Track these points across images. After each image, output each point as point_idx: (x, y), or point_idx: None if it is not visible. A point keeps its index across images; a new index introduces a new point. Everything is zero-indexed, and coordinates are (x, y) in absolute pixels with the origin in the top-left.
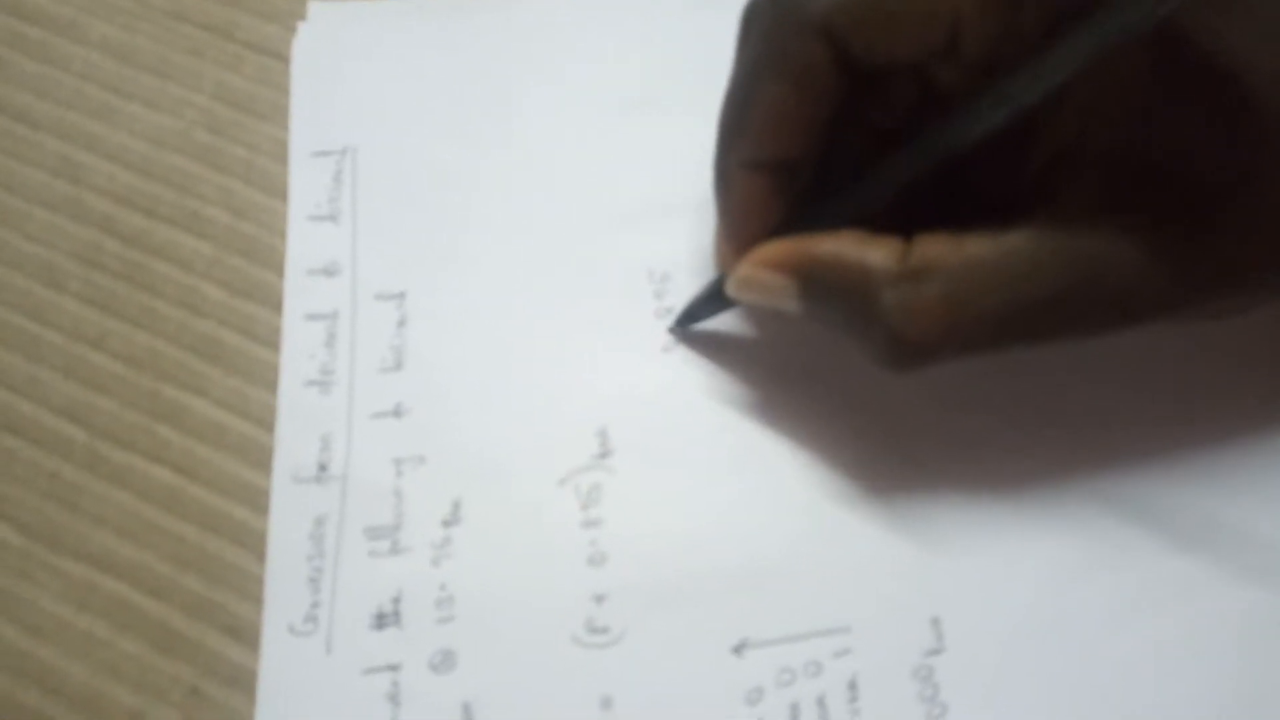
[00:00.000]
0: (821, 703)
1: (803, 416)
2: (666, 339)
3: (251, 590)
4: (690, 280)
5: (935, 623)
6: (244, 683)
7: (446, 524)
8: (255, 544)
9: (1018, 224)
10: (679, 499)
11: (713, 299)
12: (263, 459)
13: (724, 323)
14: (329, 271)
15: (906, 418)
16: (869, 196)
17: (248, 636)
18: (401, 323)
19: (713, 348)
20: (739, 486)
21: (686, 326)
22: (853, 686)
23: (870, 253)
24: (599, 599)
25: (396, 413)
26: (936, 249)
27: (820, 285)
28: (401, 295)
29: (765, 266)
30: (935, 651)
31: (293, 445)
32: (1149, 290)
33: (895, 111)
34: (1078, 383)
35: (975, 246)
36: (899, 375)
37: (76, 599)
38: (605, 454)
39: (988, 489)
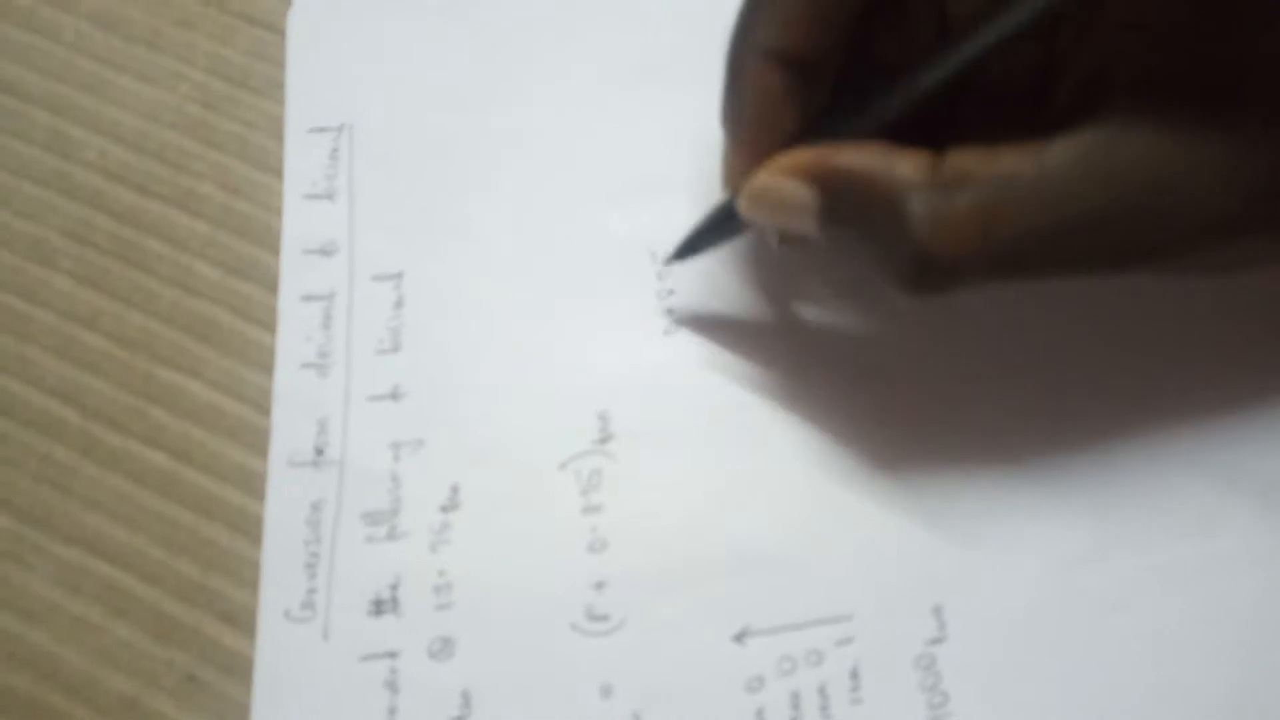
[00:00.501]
0: (823, 691)
1: (806, 401)
2: (668, 322)
3: (247, 576)
4: (694, 262)
5: (937, 611)
6: (240, 670)
7: (445, 509)
8: (251, 529)
9: (1057, 143)
10: (680, 485)
11: (717, 226)
12: (258, 442)
13: (727, 304)
14: (325, 251)
15: (911, 402)
16: (891, 109)
17: (244, 623)
18: (399, 304)
19: (715, 330)
20: (741, 472)
21: (686, 257)
22: (854, 675)
23: (898, 162)
24: (599, 586)
25: (394, 395)
26: (970, 161)
27: (843, 196)
28: (399, 276)
29: (784, 174)
30: (937, 640)
31: (289, 429)
32: (1194, 206)
33: (911, 45)
34: (1087, 364)
35: (1012, 161)
36: (920, 299)
37: (70, 583)
38: (606, 438)
39: (992, 474)
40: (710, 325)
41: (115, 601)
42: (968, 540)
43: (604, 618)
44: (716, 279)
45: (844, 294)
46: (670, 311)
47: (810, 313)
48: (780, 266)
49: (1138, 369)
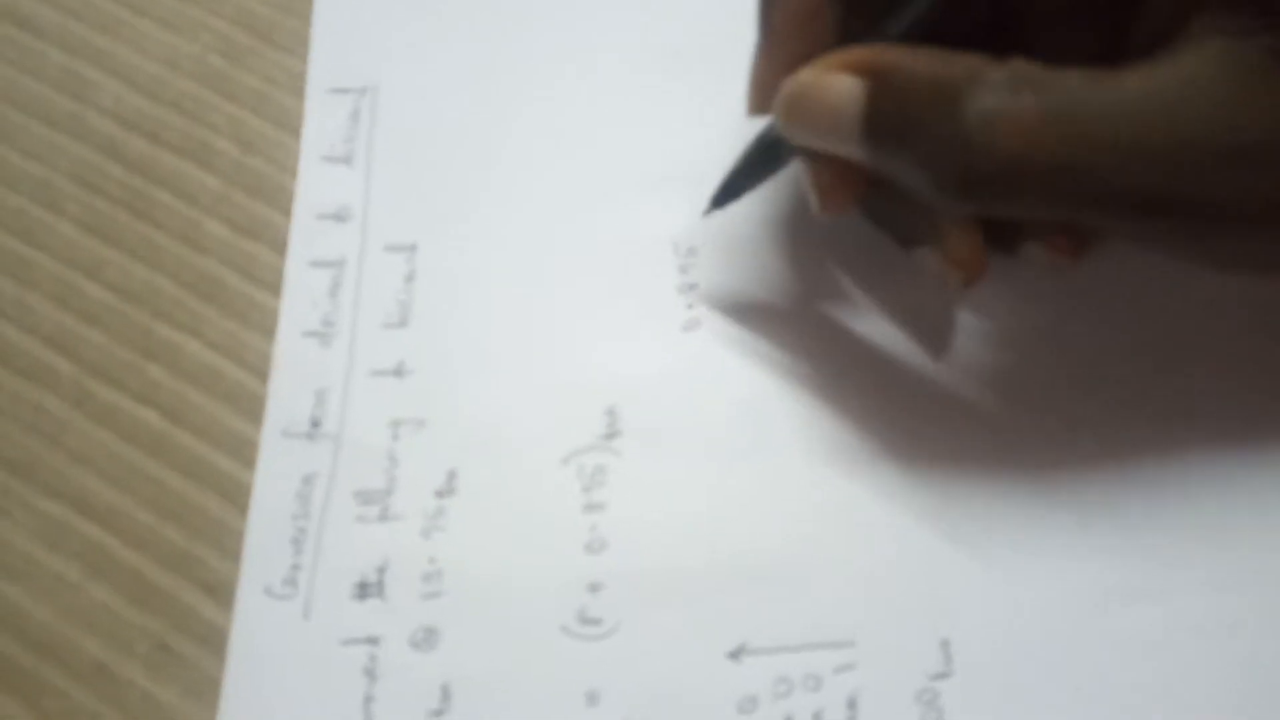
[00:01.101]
0: (818, 718)
1: (826, 410)
2: (688, 317)
3: (231, 547)
4: (718, 257)
5: (945, 645)
6: (215, 642)
7: (440, 494)
8: (240, 498)
9: (1135, 69)
10: (686, 489)
11: (755, 160)
12: (254, 409)
13: (750, 301)
14: (338, 217)
15: (935, 422)
16: (935, 16)
17: (223, 595)
18: (410, 277)
19: (736, 329)
20: (751, 481)
21: (726, 203)
22: (852, 705)
23: (957, 59)
24: (594, 588)
25: (398, 372)
26: (1037, 71)
27: (894, 94)
28: (412, 248)
29: (830, 70)
30: (942, 675)
31: (286, 398)
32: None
33: None
34: (1124, 389)
35: (1084, 76)
36: (960, 206)
37: (50, 539)
38: (612, 434)
39: (1015, 501)
40: (731, 323)
41: (95, 561)
42: (982, 572)
43: (596, 621)
44: (741, 275)
45: (876, 297)
46: (691, 306)
47: (838, 316)
48: (810, 264)
49: (1176, 394)
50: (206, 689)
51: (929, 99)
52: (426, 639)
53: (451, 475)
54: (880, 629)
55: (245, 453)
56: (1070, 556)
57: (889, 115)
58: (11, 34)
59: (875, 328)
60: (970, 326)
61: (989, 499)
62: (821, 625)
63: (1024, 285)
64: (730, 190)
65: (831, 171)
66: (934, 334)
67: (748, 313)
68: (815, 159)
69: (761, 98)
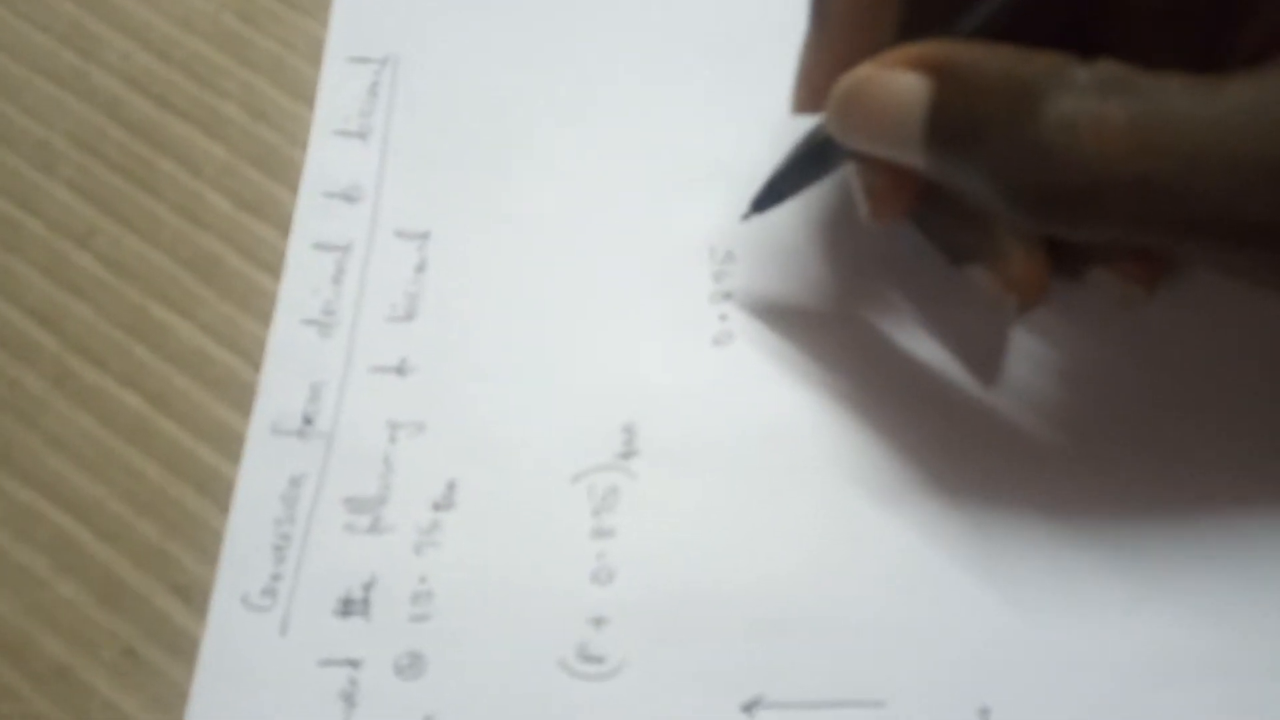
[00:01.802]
0: None
1: (866, 445)
2: (720, 329)
3: (209, 548)
4: (756, 265)
5: (984, 713)
6: (185, 651)
7: (437, 507)
8: (222, 496)
9: (1239, 77)
10: (705, 519)
11: (798, 168)
12: (243, 400)
13: (789, 316)
14: (348, 197)
15: (982, 460)
16: (1012, 12)
17: (197, 600)
18: (420, 267)
19: (772, 346)
20: (778, 516)
21: (765, 209)
22: None
23: (1035, 57)
24: (598, 622)
25: (400, 369)
26: (1127, 72)
27: (963, 94)
28: (425, 236)
29: (891, 66)
30: None
31: (278, 390)
32: None
33: None
34: (1194, 440)
35: (1181, 82)
36: (1032, 223)
37: (17, 527)
38: (629, 454)
39: (1068, 558)
40: (767, 339)
41: (64, 555)
42: (1028, 632)
43: (598, 659)
44: (780, 286)
45: (924, 317)
46: (724, 318)
47: (883, 336)
48: (854, 278)
49: (1253, 451)
50: (173, 701)
51: (1003, 100)
52: (411, 665)
53: (450, 486)
54: (913, 690)
55: (231, 446)
56: (1127, 621)
57: (956, 118)
58: None
59: (922, 350)
60: (1026, 354)
61: (1038, 550)
62: (848, 681)
63: (1089, 315)
64: (772, 193)
65: (885, 177)
66: (985, 359)
67: (785, 328)
68: (867, 163)
69: (810, 95)
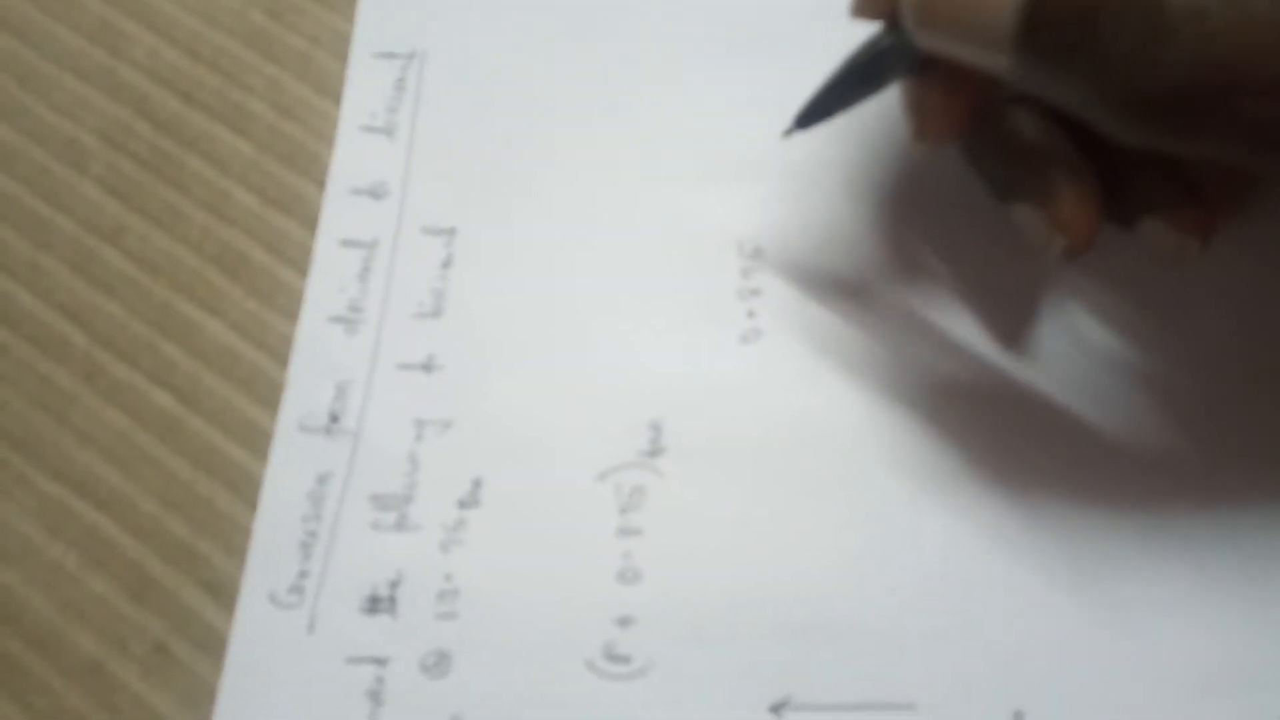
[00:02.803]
0: None
1: (899, 444)
2: (748, 326)
3: (238, 544)
4: (786, 261)
5: (1018, 718)
6: (214, 647)
7: (463, 505)
8: (249, 493)
9: None
10: (734, 519)
11: (849, 81)
12: (271, 397)
13: (820, 312)
14: (375, 193)
15: (1022, 460)
16: None
17: (226, 596)
18: (447, 263)
19: (802, 346)
20: (807, 515)
21: (810, 125)
22: None
23: None
24: (624, 622)
25: (426, 366)
26: None
27: None
28: (451, 231)
29: None
30: None
31: (305, 388)
32: None
33: None
34: (1250, 421)
35: None
36: (1137, 131)
37: (50, 523)
38: (655, 452)
39: (1110, 556)
40: (796, 337)
41: (95, 551)
42: (1066, 635)
43: (625, 659)
44: (810, 283)
45: (963, 316)
46: (752, 315)
47: (919, 336)
48: (889, 276)
49: None
50: (202, 698)
51: None
52: (438, 664)
53: (476, 484)
54: (945, 694)
55: (259, 444)
56: (1168, 625)
57: (1061, 6)
58: None
59: (958, 349)
60: (1082, 351)
61: (1076, 550)
62: (878, 683)
63: (1134, 272)
64: (819, 108)
65: (939, 92)
66: (1025, 345)
67: (814, 325)
68: (922, 77)
69: None
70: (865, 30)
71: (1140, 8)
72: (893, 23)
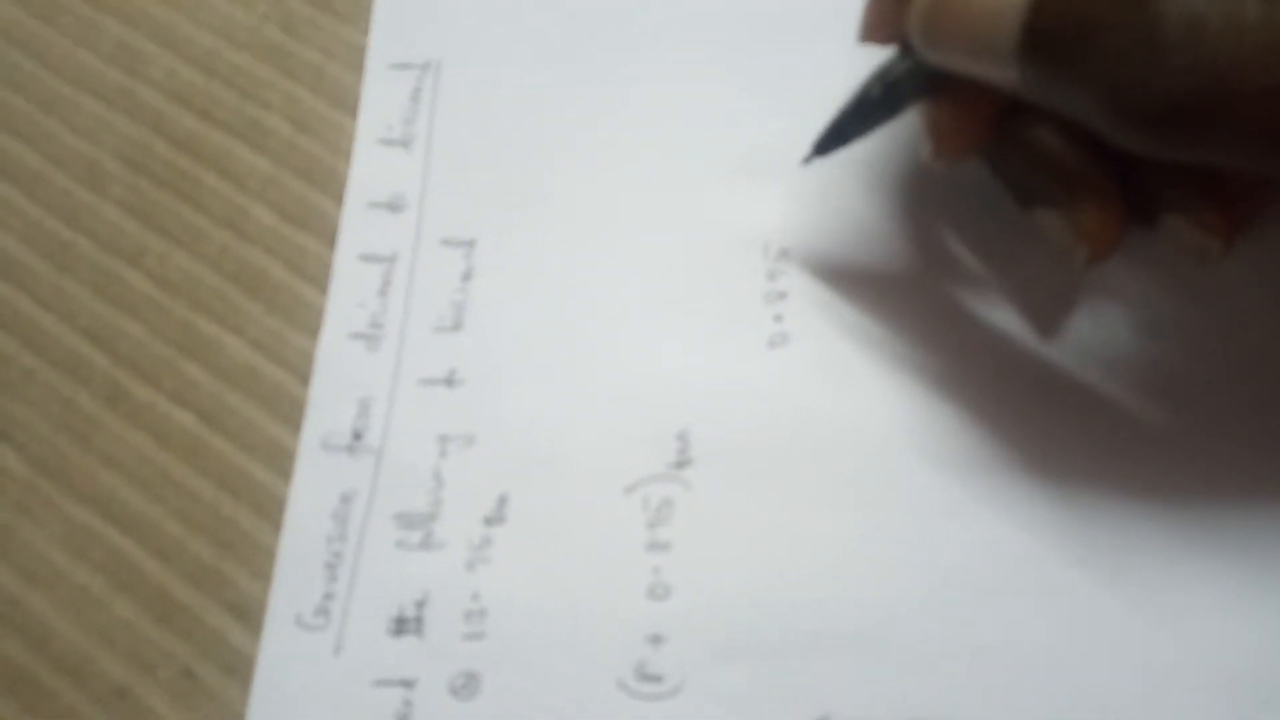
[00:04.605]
0: None
1: (932, 453)
2: (774, 331)
3: (263, 566)
4: (813, 262)
5: None
6: (241, 671)
7: (489, 522)
8: (274, 513)
9: None
10: (764, 530)
11: (865, 107)
12: (294, 415)
13: (850, 315)
14: (393, 206)
15: (1063, 466)
16: None
17: (253, 619)
18: (467, 275)
19: (832, 347)
20: (843, 526)
21: (829, 151)
22: None
23: None
24: (655, 640)
25: (449, 381)
26: None
27: None
28: (471, 243)
29: None
30: None
31: (327, 406)
32: None
33: None
34: None
35: None
36: (1142, 142)
37: (75, 547)
38: (684, 463)
39: (1163, 565)
40: (825, 341)
41: (121, 574)
42: (1120, 651)
43: (657, 679)
44: (839, 285)
45: (993, 317)
46: (779, 319)
47: (951, 338)
48: (919, 277)
49: None
50: None
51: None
52: (466, 685)
53: (502, 501)
54: (991, 709)
55: (282, 463)
56: (1224, 631)
57: (1059, 17)
58: (71, 4)
59: (995, 349)
60: (1106, 328)
61: (1123, 552)
62: (920, 696)
63: (1157, 268)
64: (837, 135)
65: (953, 111)
66: (1062, 339)
67: (844, 329)
68: (937, 97)
69: (879, 21)
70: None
71: (1137, 19)
72: (904, 46)
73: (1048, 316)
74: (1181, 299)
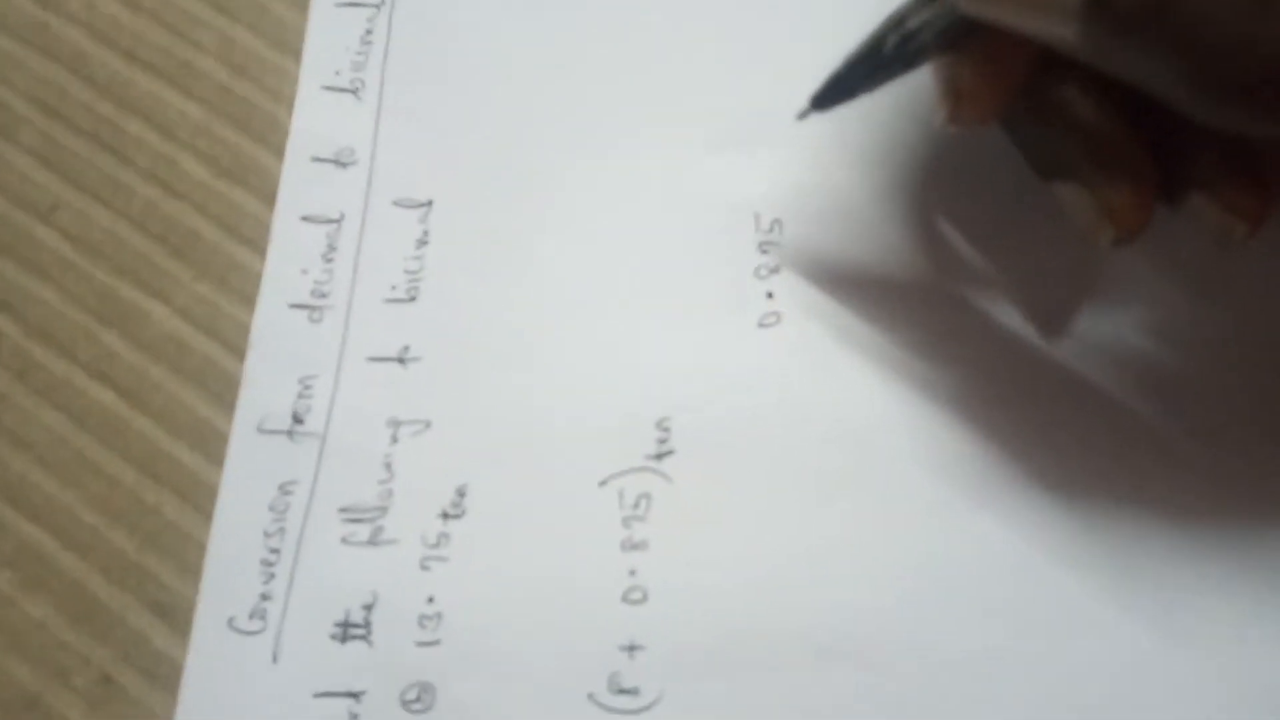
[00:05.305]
0: None
1: (939, 445)
2: (766, 310)
3: (192, 561)
4: (808, 234)
5: None
6: (166, 678)
7: (446, 516)
8: (204, 503)
9: None
10: (752, 529)
11: (873, 59)
12: (227, 394)
13: (849, 291)
14: (340, 161)
15: (1086, 458)
16: None
17: (179, 619)
18: (423, 240)
19: (828, 331)
20: (836, 526)
21: (829, 106)
22: None
23: None
24: (630, 650)
25: (402, 359)
26: None
27: None
28: (428, 205)
29: None
30: None
31: (264, 385)
32: None
33: None
34: None
35: None
36: (1229, 113)
37: None
38: (663, 454)
39: (1177, 579)
40: (822, 320)
41: (31, 570)
42: (1132, 660)
43: (632, 692)
44: (836, 259)
45: (1003, 292)
46: (771, 295)
47: (957, 316)
48: (922, 250)
49: None
50: None
51: None
52: (421, 698)
53: (460, 493)
54: None
55: (213, 447)
56: (1241, 643)
57: None
58: None
59: (1003, 330)
60: (1111, 318)
61: (1136, 557)
62: (926, 715)
63: (1185, 253)
64: (839, 88)
65: (978, 69)
66: (1068, 330)
67: (842, 307)
68: (960, 53)
69: None
70: None
71: None
72: None
73: (1052, 309)
74: (1191, 297)
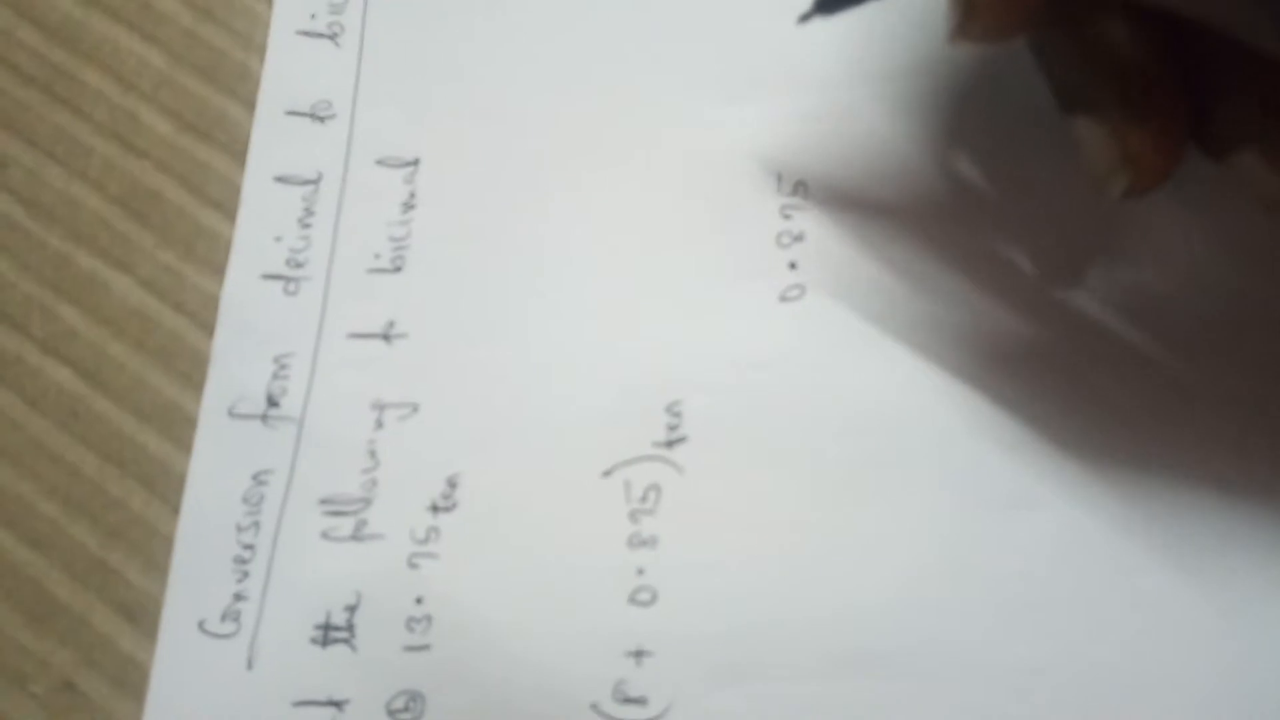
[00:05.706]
0: None
1: (974, 434)
2: (789, 282)
3: (160, 557)
4: (836, 195)
5: None
6: (132, 684)
7: (436, 509)
8: (172, 494)
9: None
10: (772, 525)
11: None
12: (195, 374)
13: (879, 259)
14: (317, 115)
15: (1129, 449)
16: None
17: (147, 620)
18: (410, 204)
19: (856, 305)
20: (866, 520)
21: (834, 10)
22: None
23: None
24: (638, 656)
25: (386, 335)
26: None
27: None
28: (414, 164)
29: None
30: None
31: (235, 363)
32: None
33: None
34: None
35: None
36: None
37: None
38: (674, 441)
39: (1241, 575)
40: (850, 293)
41: None
42: (1192, 664)
43: (640, 701)
44: (866, 224)
45: (1041, 262)
46: (794, 266)
47: (997, 289)
48: (959, 214)
49: None
50: None
51: None
52: (409, 707)
53: (451, 483)
54: None
55: (180, 432)
56: None
57: None
58: None
59: (1044, 306)
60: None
61: (1195, 548)
62: None
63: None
64: None
65: None
66: (1134, 314)
67: (872, 279)
68: None
69: None
70: None
71: None
72: None
73: (1079, 263)
74: (1230, 251)
